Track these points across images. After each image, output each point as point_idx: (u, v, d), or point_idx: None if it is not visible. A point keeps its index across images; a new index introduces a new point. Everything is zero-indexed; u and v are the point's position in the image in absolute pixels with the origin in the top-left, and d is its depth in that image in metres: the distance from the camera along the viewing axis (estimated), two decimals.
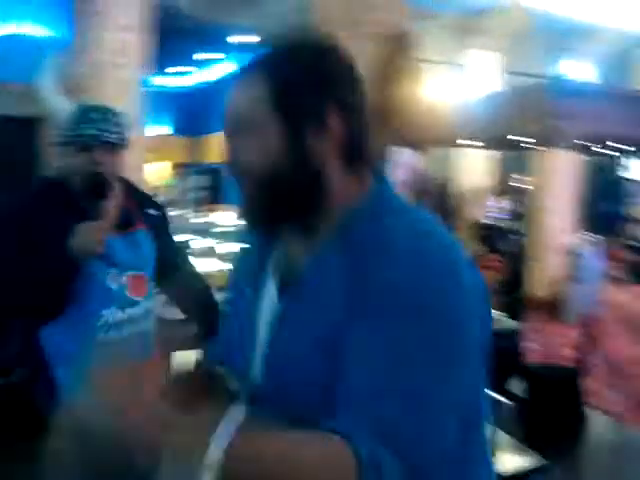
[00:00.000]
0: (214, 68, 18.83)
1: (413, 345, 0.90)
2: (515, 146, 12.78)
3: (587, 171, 15.15)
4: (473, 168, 14.52)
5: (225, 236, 9.33)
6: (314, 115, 0.98)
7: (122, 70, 8.22)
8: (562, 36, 16.69)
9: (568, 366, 4.92)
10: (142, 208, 2.16)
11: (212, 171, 20.76)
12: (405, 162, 3.39)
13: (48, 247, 1.85)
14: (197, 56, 16.98)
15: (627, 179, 13.90)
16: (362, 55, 4.03)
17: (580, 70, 15.82)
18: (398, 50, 4.08)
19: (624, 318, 8.97)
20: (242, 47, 15.50)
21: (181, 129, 21.36)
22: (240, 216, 1.12)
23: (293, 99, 0.97)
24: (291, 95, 0.97)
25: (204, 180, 20.37)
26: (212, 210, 13.81)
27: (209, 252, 8.67)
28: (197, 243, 9.05)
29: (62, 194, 2.03)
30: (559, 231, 9.58)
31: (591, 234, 10.77)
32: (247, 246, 1.27)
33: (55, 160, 2.07)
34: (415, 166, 2.99)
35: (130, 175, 8.13)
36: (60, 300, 1.89)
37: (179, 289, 2.29)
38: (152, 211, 2.19)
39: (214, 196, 19.32)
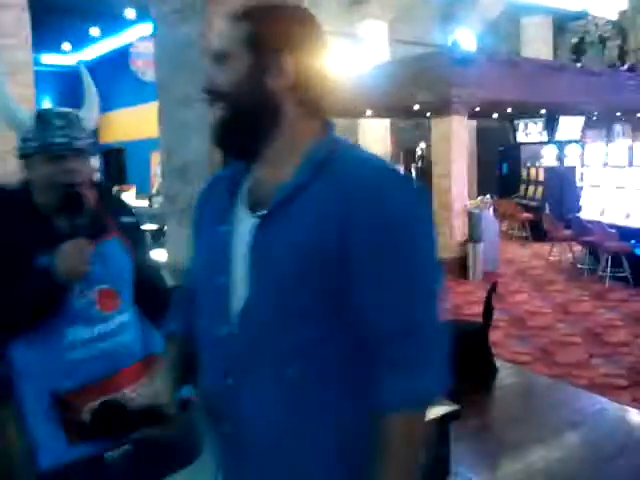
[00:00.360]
0: (104, 43, 18.11)
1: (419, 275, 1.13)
2: (413, 114, 13.15)
3: (483, 136, 15.86)
4: (373, 137, 14.81)
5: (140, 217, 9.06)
6: (274, 57, 1.16)
7: (11, 51, 7.75)
8: (448, 5, 17.19)
9: (476, 321, 5.20)
10: (115, 216, 1.95)
11: (111, 151, 20.01)
12: None
13: (21, 266, 1.72)
14: (92, 31, 16.24)
15: (521, 143, 14.63)
16: None
17: (467, 38, 16.34)
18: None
19: (524, 274, 9.54)
20: (129, 22, 15.00)
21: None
22: (214, 141, 1.23)
23: (260, 43, 1.16)
24: (259, 39, 1.16)
25: (101, 161, 19.61)
26: (123, 190, 13.23)
27: None
28: None
29: (25, 207, 1.83)
30: (459, 195, 10.00)
31: (489, 196, 11.31)
32: (206, 190, 1.37)
33: (19, 172, 1.72)
34: None
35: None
36: (32, 320, 1.77)
37: (151, 304, 1.99)
38: (126, 219, 1.99)
39: (117, 177, 18.66)
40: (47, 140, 1.76)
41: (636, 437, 4.14)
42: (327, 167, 1.15)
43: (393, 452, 1.10)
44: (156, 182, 16.78)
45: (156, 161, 17.78)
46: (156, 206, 11.01)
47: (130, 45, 15.33)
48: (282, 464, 1.15)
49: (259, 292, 1.15)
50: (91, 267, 1.75)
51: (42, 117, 1.79)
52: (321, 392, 1.13)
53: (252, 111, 1.18)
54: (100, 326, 1.84)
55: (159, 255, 4.60)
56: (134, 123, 18.58)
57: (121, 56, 17.31)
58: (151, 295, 2.02)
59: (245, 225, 1.19)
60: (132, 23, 15.33)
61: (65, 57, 19.41)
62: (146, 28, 15.95)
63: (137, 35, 16.14)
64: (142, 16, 14.50)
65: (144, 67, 12.69)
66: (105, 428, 1.33)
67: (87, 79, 2.04)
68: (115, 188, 12.75)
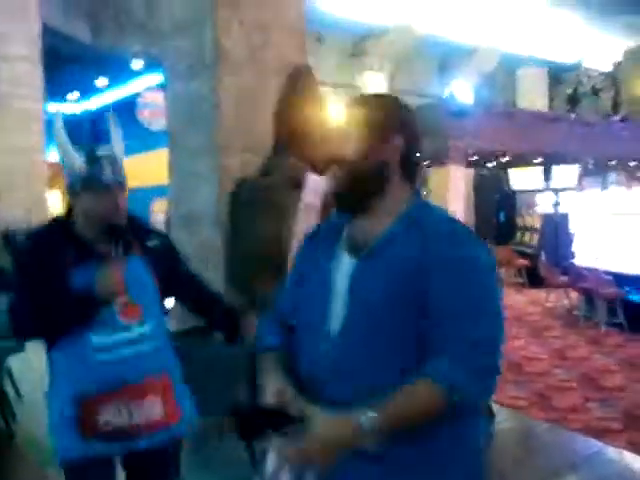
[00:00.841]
0: (107, 94, 18.56)
1: (484, 300, 1.42)
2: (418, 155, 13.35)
3: (480, 184, 16.17)
4: None
5: None
6: (389, 137, 1.48)
7: (22, 101, 8.07)
8: (446, 57, 17.73)
9: None
10: (142, 239, 2.22)
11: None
12: (313, 186, 3.60)
13: (68, 286, 2.00)
14: (98, 81, 16.70)
15: (517, 190, 14.92)
16: (267, 89, 4.27)
17: (464, 89, 16.81)
18: (300, 81, 4.33)
19: (520, 320, 9.66)
20: (136, 73, 15.43)
21: None
22: (333, 199, 1.55)
23: (378, 126, 1.49)
24: (377, 123, 1.49)
25: None
26: None
27: None
28: None
29: (70, 234, 2.11)
30: None
31: (487, 243, 11.39)
32: (320, 230, 1.70)
33: (69, 204, 2.07)
34: (323, 190, 3.19)
35: (35, 206, 7.83)
36: (74, 331, 2.05)
37: (194, 301, 2.47)
38: (152, 242, 2.26)
39: None
40: (96, 176, 2.03)
41: None
42: (416, 223, 1.45)
43: (408, 401, 1.36)
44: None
45: (158, 208, 18.08)
46: None
47: (136, 95, 15.76)
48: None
49: (354, 315, 1.44)
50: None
51: (89, 155, 2.05)
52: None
53: (368, 177, 1.48)
54: (122, 334, 2.07)
55: (167, 303, 4.74)
56: (137, 171, 18.89)
57: (126, 106, 17.76)
58: (197, 295, 2.42)
59: (345, 263, 1.50)
60: (139, 74, 15.78)
61: (70, 105, 19.85)
62: (153, 79, 16.42)
63: (143, 85, 16.61)
64: (149, 67, 14.95)
65: (151, 117, 13.06)
66: (250, 427, 1.52)
67: (114, 125, 2.27)
68: None
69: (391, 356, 1.41)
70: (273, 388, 1.49)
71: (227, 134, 4.03)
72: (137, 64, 14.49)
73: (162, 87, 15.08)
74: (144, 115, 13.25)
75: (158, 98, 13.94)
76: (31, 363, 4.47)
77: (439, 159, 9.94)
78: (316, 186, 3.72)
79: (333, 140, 1.52)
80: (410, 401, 1.36)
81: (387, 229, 1.46)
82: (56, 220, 2.19)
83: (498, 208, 15.50)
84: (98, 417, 2.03)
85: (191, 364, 3.89)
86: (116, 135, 2.24)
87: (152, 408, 2.13)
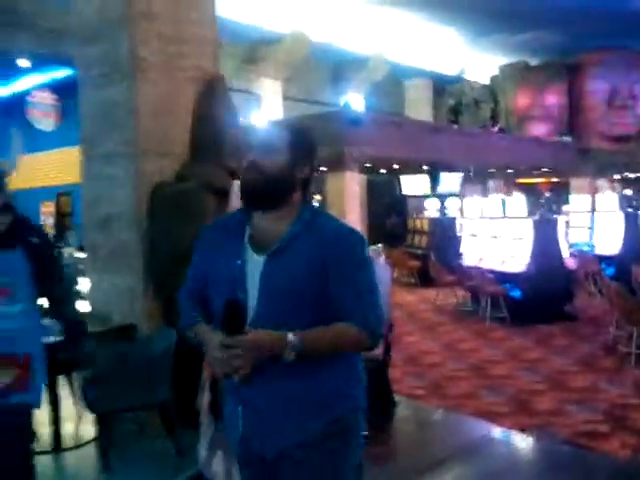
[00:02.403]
0: None
1: (371, 281, 1.83)
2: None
3: (372, 189, 16.79)
4: None
5: None
6: (302, 161, 1.83)
7: None
8: (339, 65, 18.28)
9: (376, 360, 5.61)
10: (25, 235, 2.65)
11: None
12: (237, 191, 3.78)
13: None
14: None
15: (407, 195, 15.64)
16: (183, 96, 4.40)
17: (355, 98, 17.40)
18: (214, 89, 4.50)
19: (413, 317, 10.21)
20: (23, 71, 14.80)
21: None
22: (243, 195, 1.81)
23: (299, 150, 1.82)
24: (299, 148, 1.83)
25: None
26: None
27: None
28: None
29: None
30: None
31: (379, 245, 11.98)
32: (216, 229, 1.94)
33: None
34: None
35: None
36: None
37: (53, 306, 2.86)
38: (34, 239, 2.69)
39: None
40: None
41: (518, 458, 4.67)
42: (311, 225, 1.79)
43: (335, 331, 1.74)
44: (46, 231, 16.36)
45: (46, 210, 17.37)
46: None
47: (21, 94, 15.11)
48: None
49: (265, 305, 1.75)
50: None
51: None
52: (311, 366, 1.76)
53: (279, 187, 1.79)
54: None
55: (82, 307, 4.74)
56: (23, 172, 18.09)
57: (10, 104, 16.96)
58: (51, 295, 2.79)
59: (255, 261, 1.78)
60: (25, 72, 15.16)
61: None
62: (39, 77, 15.81)
63: (30, 84, 15.95)
64: (36, 65, 14.41)
65: (40, 116, 12.59)
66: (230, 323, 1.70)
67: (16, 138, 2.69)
68: None
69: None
70: (216, 340, 1.71)
71: (144, 140, 4.13)
72: (24, 62, 13.95)
73: (50, 87, 14.67)
74: (33, 114, 12.77)
75: (47, 98, 13.46)
76: None
77: (336, 165, 10.33)
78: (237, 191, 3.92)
79: (257, 147, 1.81)
80: (339, 334, 1.75)
81: (289, 230, 1.78)
82: None
83: (390, 212, 16.19)
84: None
85: (112, 361, 3.97)
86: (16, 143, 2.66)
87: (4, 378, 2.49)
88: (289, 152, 1.80)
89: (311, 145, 1.90)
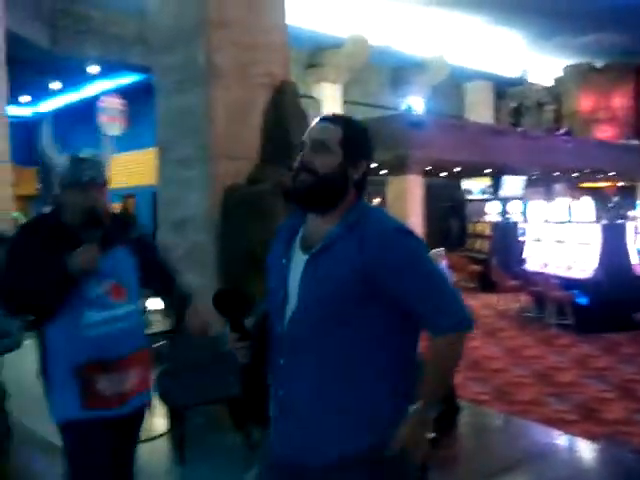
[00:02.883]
0: (59, 98, 18.38)
1: (432, 275, 1.70)
2: (371, 172, 13.77)
3: (432, 193, 16.70)
4: None
5: None
6: (356, 159, 1.72)
7: None
8: (398, 69, 18.24)
9: None
10: (126, 232, 2.60)
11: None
12: None
13: (51, 264, 2.31)
14: (52, 85, 16.52)
15: (468, 199, 15.48)
16: (255, 101, 4.51)
17: (416, 102, 17.34)
18: (285, 95, 4.60)
19: (475, 322, 10.07)
20: (91, 77, 15.36)
21: (20, 159, 20.35)
22: (294, 197, 1.73)
23: (352, 146, 1.71)
24: (351, 144, 1.71)
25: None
26: None
27: None
28: None
29: (57, 223, 2.45)
30: None
31: (441, 248, 11.89)
32: (280, 230, 1.88)
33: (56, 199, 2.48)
34: None
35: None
36: (57, 304, 2.35)
37: (162, 287, 2.77)
38: (135, 234, 2.62)
39: None
40: (77, 177, 2.38)
41: (585, 466, 4.59)
42: (356, 224, 1.68)
43: (437, 362, 1.67)
44: None
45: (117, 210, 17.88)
46: None
47: (90, 99, 15.66)
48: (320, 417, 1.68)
49: (304, 305, 1.68)
50: (101, 267, 2.36)
51: (74, 160, 2.41)
52: (355, 362, 1.67)
53: (331, 187, 1.70)
54: (111, 311, 2.41)
55: (154, 303, 4.90)
56: None
57: (80, 109, 17.59)
58: (162, 277, 2.72)
59: (298, 260, 1.73)
60: (94, 78, 15.73)
61: (21, 109, 19.54)
62: (107, 83, 16.38)
63: (97, 89, 16.53)
64: (105, 72, 14.95)
65: (109, 121, 13.02)
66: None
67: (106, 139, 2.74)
68: None
69: (333, 339, 1.65)
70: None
71: (218, 144, 4.25)
72: (93, 69, 14.50)
73: (119, 92, 15.14)
74: (103, 120, 13.22)
75: (115, 103, 13.90)
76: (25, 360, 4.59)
77: (398, 168, 10.32)
78: None
79: (307, 146, 1.70)
80: (440, 363, 1.68)
81: (331, 230, 1.68)
82: (47, 212, 2.55)
83: (449, 216, 16.04)
84: (96, 384, 2.35)
85: (185, 356, 4.10)
86: (107, 139, 2.70)
87: (137, 377, 2.48)
88: (341, 150, 1.68)
89: (365, 142, 1.77)
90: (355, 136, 1.72)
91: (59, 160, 2.41)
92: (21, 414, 4.73)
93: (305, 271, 1.69)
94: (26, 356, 4.56)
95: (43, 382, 2.46)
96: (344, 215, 1.70)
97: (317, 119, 1.75)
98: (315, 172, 1.68)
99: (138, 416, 2.58)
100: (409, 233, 1.70)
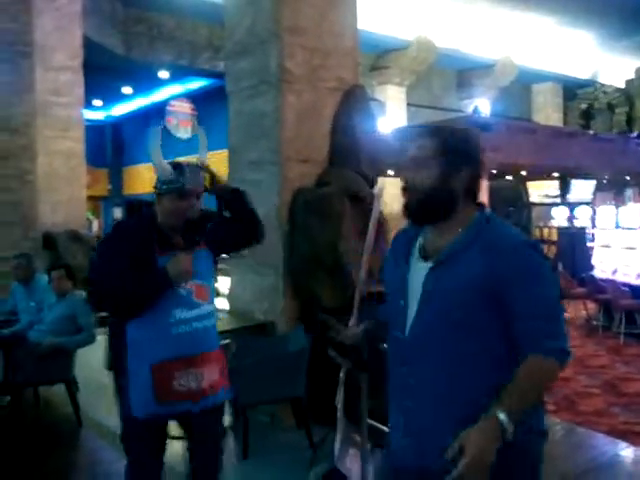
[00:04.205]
0: (130, 103, 18.97)
1: (551, 297, 1.69)
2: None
3: (496, 196, 16.44)
4: (393, 196, 15.34)
5: None
6: (457, 168, 1.72)
7: (64, 108, 8.44)
8: (464, 71, 18.03)
9: None
10: (204, 230, 2.64)
11: (134, 203, 20.60)
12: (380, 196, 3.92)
13: (147, 266, 2.44)
14: (124, 89, 17.09)
15: (532, 203, 15.18)
16: (325, 105, 4.59)
17: (482, 104, 17.09)
18: (354, 99, 4.67)
19: None
20: (162, 82, 15.80)
21: (92, 161, 21.02)
22: (409, 213, 1.80)
23: (450, 156, 1.71)
24: (449, 154, 1.72)
25: (120, 212, 20.25)
26: None
27: None
28: None
29: (152, 226, 2.54)
30: None
31: None
32: (397, 239, 1.95)
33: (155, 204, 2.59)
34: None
35: (74, 209, 8.14)
36: (147, 305, 2.45)
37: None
38: (208, 225, 2.67)
39: None
40: (179, 184, 2.47)
41: None
42: (480, 236, 1.70)
43: (529, 378, 1.61)
44: None
45: None
46: None
47: (160, 103, 16.14)
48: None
49: (427, 314, 1.71)
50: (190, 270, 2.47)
51: (177, 167, 2.50)
52: (473, 369, 1.68)
53: (438, 201, 1.73)
54: (195, 310, 2.51)
55: (221, 304, 5.03)
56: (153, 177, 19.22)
57: (149, 113, 18.14)
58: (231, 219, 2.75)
59: (419, 268, 1.76)
60: (164, 83, 16.19)
61: (93, 112, 20.27)
62: (176, 88, 16.83)
63: (166, 94, 17.01)
64: (175, 77, 15.36)
65: (179, 125, 13.42)
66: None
67: (202, 138, 2.81)
68: None
69: (456, 347, 1.66)
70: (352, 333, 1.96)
71: (288, 147, 4.35)
72: (164, 74, 14.92)
73: (188, 97, 15.55)
74: (172, 123, 13.64)
75: (184, 107, 14.30)
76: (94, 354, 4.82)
77: None
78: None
79: (407, 164, 1.75)
80: (531, 379, 1.61)
81: (455, 240, 1.70)
82: (142, 214, 2.64)
83: (513, 220, 15.76)
84: (173, 380, 2.43)
85: (250, 355, 4.20)
86: (203, 145, 2.77)
87: (213, 374, 2.56)
88: (438, 162, 1.70)
89: (466, 149, 1.75)
90: (452, 145, 1.73)
91: (160, 165, 2.51)
92: (88, 407, 4.98)
93: (427, 280, 1.71)
94: (94, 351, 4.82)
95: (115, 377, 2.62)
96: (469, 224, 1.72)
97: (414, 135, 1.79)
98: (416, 189, 1.74)
99: (214, 413, 2.61)
100: (536, 248, 1.73)
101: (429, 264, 1.73)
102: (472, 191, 1.76)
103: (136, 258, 2.43)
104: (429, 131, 1.78)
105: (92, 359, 4.95)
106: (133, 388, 2.47)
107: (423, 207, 1.74)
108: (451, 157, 1.71)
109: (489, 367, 1.68)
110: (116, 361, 2.60)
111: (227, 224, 2.75)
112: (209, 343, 2.57)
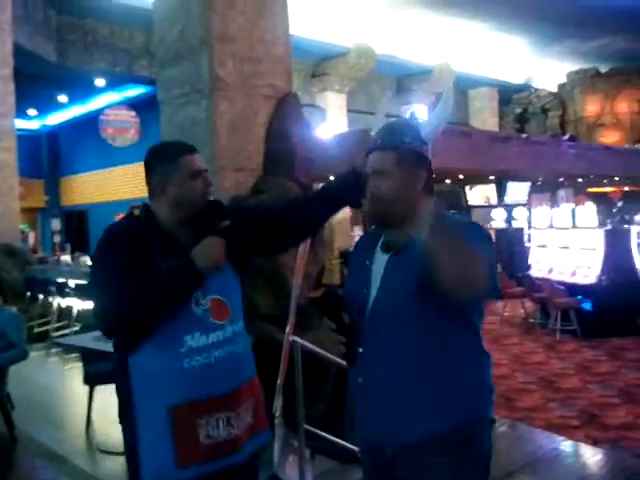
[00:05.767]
0: (66, 111, 18.53)
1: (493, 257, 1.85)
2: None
3: (437, 200, 16.70)
4: None
5: None
6: (414, 173, 1.83)
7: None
8: (403, 77, 18.33)
9: None
10: (218, 226, 2.06)
11: (73, 214, 20.13)
12: None
13: (150, 270, 1.89)
14: (59, 98, 16.67)
15: (472, 205, 15.52)
16: (258, 113, 4.59)
17: (419, 108, 17.39)
18: (287, 107, 4.68)
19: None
20: (98, 90, 15.49)
21: (27, 171, 20.41)
22: (372, 220, 1.90)
23: (407, 163, 1.81)
24: (405, 160, 1.81)
25: (59, 223, 19.74)
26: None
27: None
28: None
29: (150, 226, 2.01)
30: None
31: None
32: (361, 240, 2.08)
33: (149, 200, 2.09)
34: None
35: (7, 221, 7.92)
36: (168, 314, 1.89)
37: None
38: (225, 223, 2.08)
39: (78, 239, 18.79)
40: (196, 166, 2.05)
41: (589, 472, 4.62)
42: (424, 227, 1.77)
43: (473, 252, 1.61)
44: None
45: None
46: None
47: (97, 112, 15.82)
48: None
49: (382, 299, 1.82)
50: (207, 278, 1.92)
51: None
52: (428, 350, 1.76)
53: (400, 207, 1.82)
54: (214, 334, 1.94)
55: None
56: (98, 186, 18.90)
57: (86, 122, 17.75)
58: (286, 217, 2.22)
59: (380, 260, 1.88)
60: (101, 91, 15.88)
61: (28, 122, 19.71)
62: (113, 96, 16.53)
63: (104, 102, 16.69)
64: (111, 84, 15.09)
65: (114, 133, 13.19)
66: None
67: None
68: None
69: (410, 327, 1.76)
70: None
71: (222, 156, 4.33)
72: (100, 82, 14.65)
73: (126, 104, 15.30)
74: (108, 132, 13.39)
75: (121, 115, 14.06)
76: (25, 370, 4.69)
77: None
78: None
79: (371, 175, 1.84)
80: (474, 254, 1.60)
81: (413, 234, 1.78)
82: (134, 216, 2.08)
83: None
84: (197, 431, 1.88)
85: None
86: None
87: (248, 416, 2.02)
88: (399, 170, 1.80)
89: (419, 154, 1.83)
90: (407, 153, 1.82)
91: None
92: (25, 424, 4.84)
93: (385, 268, 1.83)
94: (29, 368, 4.69)
95: (126, 430, 1.97)
96: (426, 218, 1.74)
97: (372, 149, 1.86)
98: (380, 198, 1.83)
99: (254, 463, 2.08)
100: (479, 227, 1.88)
101: (388, 255, 1.85)
102: (428, 187, 1.87)
103: (138, 265, 1.88)
104: (383, 146, 1.85)
105: (27, 376, 4.82)
106: (143, 444, 1.89)
107: (388, 215, 1.83)
108: (409, 164, 1.81)
109: (447, 345, 1.77)
110: (121, 409, 1.99)
111: (274, 215, 2.22)
112: (239, 374, 2.00)
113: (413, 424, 1.75)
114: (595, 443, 4.85)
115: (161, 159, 2.07)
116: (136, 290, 1.85)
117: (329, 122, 15.62)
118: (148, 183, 2.08)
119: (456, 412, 1.74)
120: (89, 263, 11.00)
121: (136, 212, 2.07)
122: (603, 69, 20.40)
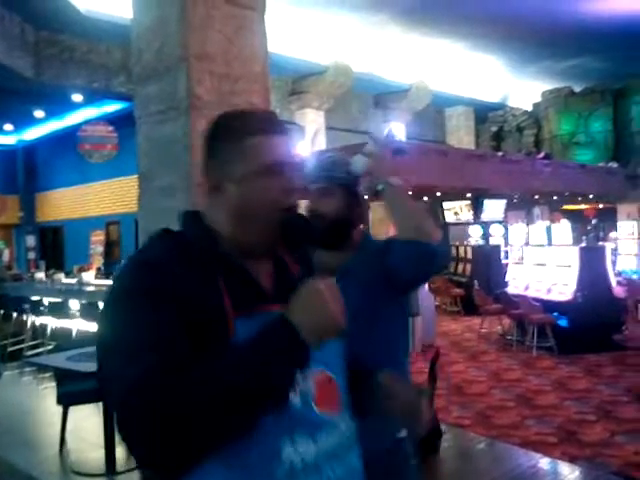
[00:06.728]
0: (42, 126, 18.37)
1: None
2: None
3: None
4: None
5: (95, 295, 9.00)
6: (358, 196, 1.94)
7: None
8: (381, 95, 18.47)
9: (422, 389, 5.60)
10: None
11: (48, 230, 19.87)
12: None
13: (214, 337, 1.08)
14: (36, 113, 16.54)
15: (449, 223, 15.65)
16: None
17: (397, 127, 17.54)
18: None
19: (458, 345, 10.15)
20: (75, 105, 15.39)
21: (1, 187, 20.19)
22: (313, 244, 1.72)
23: (353, 188, 1.93)
24: (353, 187, 1.93)
25: (33, 240, 19.49)
26: (84, 270, 12.98)
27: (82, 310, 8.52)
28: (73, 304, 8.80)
29: (209, 249, 1.24)
30: None
31: None
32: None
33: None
34: None
35: None
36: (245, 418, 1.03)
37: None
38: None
39: (53, 255, 18.56)
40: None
41: None
42: (364, 249, 1.94)
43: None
44: (95, 260, 16.83)
45: (96, 239, 17.86)
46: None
47: (75, 127, 15.70)
48: None
49: None
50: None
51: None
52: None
53: (345, 224, 1.92)
54: (326, 435, 1.16)
55: None
56: (73, 202, 18.71)
57: (63, 137, 17.60)
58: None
59: None
60: (78, 106, 15.77)
61: (3, 137, 19.52)
62: (91, 111, 16.42)
63: (81, 117, 16.57)
64: (89, 100, 14.99)
65: (91, 149, 13.08)
66: None
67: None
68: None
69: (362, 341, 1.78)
70: None
71: (198, 174, 4.30)
72: (77, 97, 14.54)
73: (104, 120, 15.21)
74: (85, 148, 13.29)
75: (99, 130, 13.96)
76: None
77: (379, 194, 10.42)
78: None
79: (313, 193, 1.92)
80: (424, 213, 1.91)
81: (351, 257, 1.90)
82: (179, 234, 1.35)
83: None
84: None
85: None
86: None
87: None
88: (341, 190, 1.89)
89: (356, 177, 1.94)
90: (348, 179, 1.92)
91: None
92: (1, 448, 4.73)
93: None
94: (3, 387, 4.59)
95: None
96: (359, 244, 1.94)
97: (313, 158, 1.99)
98: (323, 217, 1.87)
99: None
100: None
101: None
102: (363, 216, 1.99)
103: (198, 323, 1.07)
104: (330, 167, 1.94)
105: (0, 396, 4.72)
106: None
107: (328, 231, 1.85)
108: (353, 188, 1.91)
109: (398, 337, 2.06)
110: None
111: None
112: None
113: None
114: (572, 460, 4.87)
115: (224, 135, 1.30)
116: (196, 377, 0.99)
117: (307, 140, 15.67)
118: (204, 174, 1.40)
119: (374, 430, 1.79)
120: (64, 281, 10.79)
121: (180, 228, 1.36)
122: (577, 88, 20.76)
